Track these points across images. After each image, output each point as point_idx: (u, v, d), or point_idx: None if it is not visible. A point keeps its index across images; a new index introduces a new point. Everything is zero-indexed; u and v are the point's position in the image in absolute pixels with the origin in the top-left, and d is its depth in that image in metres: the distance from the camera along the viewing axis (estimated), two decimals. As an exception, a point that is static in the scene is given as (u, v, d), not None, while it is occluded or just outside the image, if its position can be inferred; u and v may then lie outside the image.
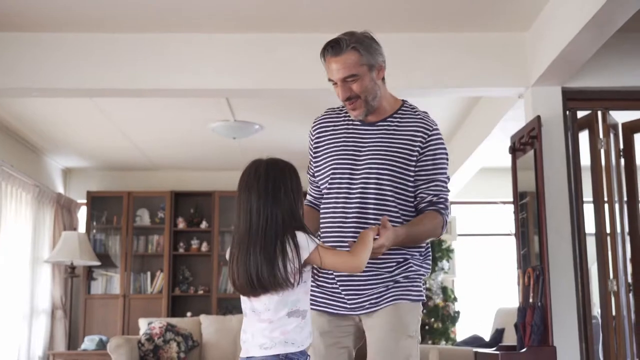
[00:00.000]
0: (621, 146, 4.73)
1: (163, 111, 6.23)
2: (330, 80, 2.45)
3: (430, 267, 2.54)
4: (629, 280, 4.55)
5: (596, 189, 4.57)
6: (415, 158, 2.42)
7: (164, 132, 6.92)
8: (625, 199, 4.67)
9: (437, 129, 2.49)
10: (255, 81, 4.77)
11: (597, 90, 4.71)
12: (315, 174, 2.57)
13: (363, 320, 2.43)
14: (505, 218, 7.49)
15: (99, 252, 7.90)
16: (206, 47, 4.75)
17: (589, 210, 4.58)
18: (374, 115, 2.48)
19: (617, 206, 4.56)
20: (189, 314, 7.82)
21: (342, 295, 2.41)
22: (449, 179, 2.51)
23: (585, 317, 4.42)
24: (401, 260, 2.41)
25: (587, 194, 4.60)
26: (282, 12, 4.43)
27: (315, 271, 2.37)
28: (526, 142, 4.55)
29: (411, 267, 2.43)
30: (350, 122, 2.53)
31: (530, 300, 4.33)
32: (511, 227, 5.06)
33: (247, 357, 2.10)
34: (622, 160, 4.72)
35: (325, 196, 2.50)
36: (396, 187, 2.41)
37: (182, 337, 6.85)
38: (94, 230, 8.07)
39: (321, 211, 2.51)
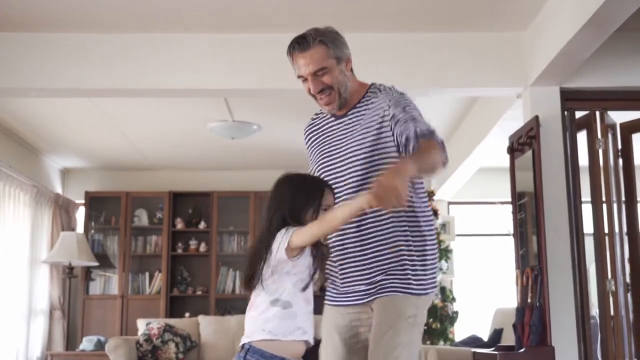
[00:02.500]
0: (619, 146, 4.73)
1: (161, 111, 6.23)
2: (299, 77, 2.48)
3: (434, 254, 2.46)
4: (627, 280, 4.55)
5: (594, 189, 4.57)
6: (389, 126, 2.41)
7: (163, 132, 6.91)
8: (623, 199, 4.67)
9: (393, 92, 2.48)
10: (253, 81, 4.77)
11: (596, 90, 4.71)
12: None
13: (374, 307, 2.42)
14: (504, 218, 7.49)
15: (97, 252, 7.89)
16: (204, 47, 4.74)
17: (587, 211, 4.58)
18: (345, 108, 2.51)
19: (615, 206, 4.56)
20: (187, 314, 7.81)
21: (345, 286, 2.45)
22: (420, 115, 2.42)
23: (584, 317, 4.42)
24: (394, 251, 2.40)
25: (586, 194, 4.60)
26: (281, 11, 4.43)
27: (327, 267, 2.44)
28: (524, 142, 4.55)
29: (405, 261, 2.39)
30: (328, 121, 2.57)
31: (529, 300, 4.33)
32: (509, 227, 5.06)
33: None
34: (620, 160, 4.72)
35: None
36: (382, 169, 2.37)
37: (180, 337, 6.85)
38: (92, 231, 8.06)
39: None
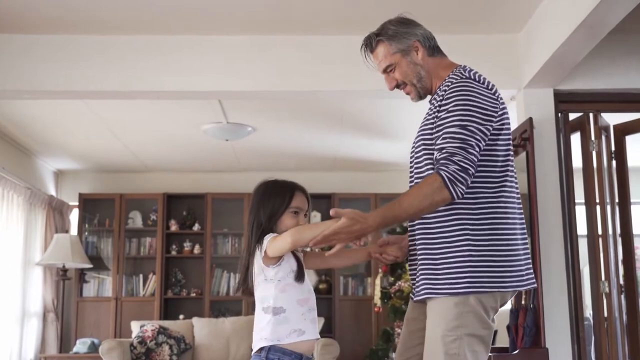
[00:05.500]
0: (613, 148, 4.74)
1: (155, 113, 6.22)
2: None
3: (490, 248, 2.25)
4: (621, 281, 4.56)
5: (588, 191, 4.59)
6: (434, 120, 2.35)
7: (156, 134, 6.90)
8: (617, 200, 4.68)
9: (458, 81, 2.32)
10: (247, 83, 4.77)
11: (589, 92, 4.73)
12: None
13: None
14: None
15: (91, 254, 7.87)
16: (198, 49, 4.74)
17: (580, 212, 4.59)
18: (431, 93, 2.51)
19: (608, 208, 4.57)
20: (181, 316, 7.79)
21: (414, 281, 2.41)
22: (467, 129, 2.23)
23: (578, 319, 4.43)
24: (429, 247, 2.29)
25: (579, 196, 4.61)
26: (275, 14, 4.43)
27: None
28: (518, 144, 4.56)
29: (438, 256, 2.26)
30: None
31: (523, 302, 4.34)
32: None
33: None
34: (614, 162, 4.73)
35: None
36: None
37: (174, 340, 6.83)
38: (86, 233, 8.04)
39: None
